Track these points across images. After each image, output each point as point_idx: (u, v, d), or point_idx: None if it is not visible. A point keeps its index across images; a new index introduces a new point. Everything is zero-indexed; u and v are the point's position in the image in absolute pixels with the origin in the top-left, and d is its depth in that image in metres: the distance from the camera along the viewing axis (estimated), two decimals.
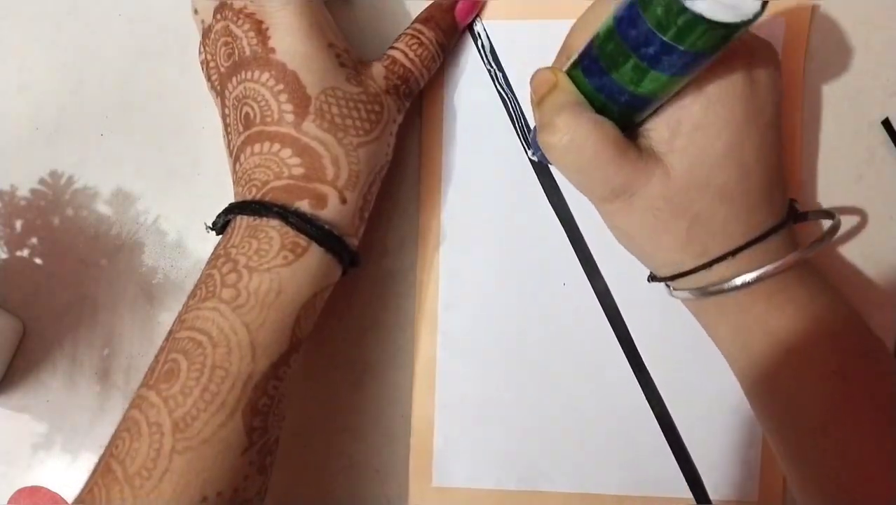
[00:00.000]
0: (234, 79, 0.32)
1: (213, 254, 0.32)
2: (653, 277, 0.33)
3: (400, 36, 0.35)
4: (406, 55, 0.34)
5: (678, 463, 0.37)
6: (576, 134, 0.28)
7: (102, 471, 0.29)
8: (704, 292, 0.30)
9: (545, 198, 0.38)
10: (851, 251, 0.37)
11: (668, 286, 0.33)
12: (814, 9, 0.36)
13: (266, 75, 0.31)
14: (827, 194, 0.37)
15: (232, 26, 0.32)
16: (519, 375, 0.38)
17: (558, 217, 0.38)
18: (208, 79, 0.34)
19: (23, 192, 0.39)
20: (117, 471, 0.28)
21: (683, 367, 0.37)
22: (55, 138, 0.39)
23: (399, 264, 0.39)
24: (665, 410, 0.37)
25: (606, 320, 0.37)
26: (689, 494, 0.37)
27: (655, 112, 0.29)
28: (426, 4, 0.36)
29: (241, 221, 0.31)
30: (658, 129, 0.29)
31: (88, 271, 0.39)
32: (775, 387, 0.30)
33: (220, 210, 0.32)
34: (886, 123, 0.36)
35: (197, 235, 0.39)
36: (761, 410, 0.32)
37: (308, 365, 0.38)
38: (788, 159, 0.36)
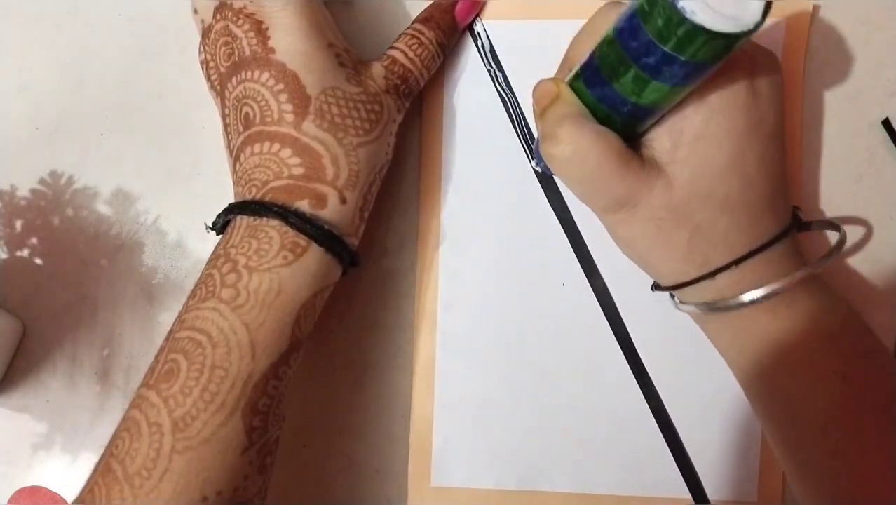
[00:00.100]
0: (233, 79, 0.32)
1: (212, 254, 0.32)
2: (657, 287, 0.33)
3: (400, 36, 0.35)
4: (406, 55, 0.34)
5: (677, 464, 0.37)
6: (578, 145, 0.28)
7: (102, 471, 0.29)
8: (712, 308, 0.30)
9: (545, 198, 0.38)
10: (851, 251, 0.37)
11: (673, 298, 0.33)
12: (814, 9, 0.36)
13: (266, 75, 0.31)
14: (827, 195, 0.37)
15: (232, 26, 0.32)
16: (518, 376, 0.38)
17: (558, 217, 0.38)
18: (208, 79, 0.34)
19: (23, 192, 0.39)
20: (117, 471, 0.28)
21: (682, 367, 0.37)
22: (55, 138, 0.39)
23: (399, 264, 0.39)
24: (664, 411, 0.37)
25: (605, 320, 0.37)
26: (688, 495, 0.37)
27: (658, 122, 0.29)
28: (426, 4, 0.36)
29: (241, 221, 0.31)
30: (660, 140, 0.29)
31: (88, 271, 0.39)
32: (775, 388, 0.30)
33: (220, 210, 0.32)
34: (886, 123, 0.36)
35: (197, 235, 0.39)
36: (761, 410, 0.32)
37: (308, 365, 0.38)
38: (788, 160, 0.36)
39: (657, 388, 0.37)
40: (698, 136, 0.28)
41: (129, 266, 0.39)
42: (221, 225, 0.32)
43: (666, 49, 0.25)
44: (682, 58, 0.25)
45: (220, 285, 0.30)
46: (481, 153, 0.38)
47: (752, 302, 0.29)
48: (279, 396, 0.30)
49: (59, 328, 0.39)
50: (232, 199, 0.33)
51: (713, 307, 0.30)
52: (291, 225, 0.30)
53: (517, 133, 0.38)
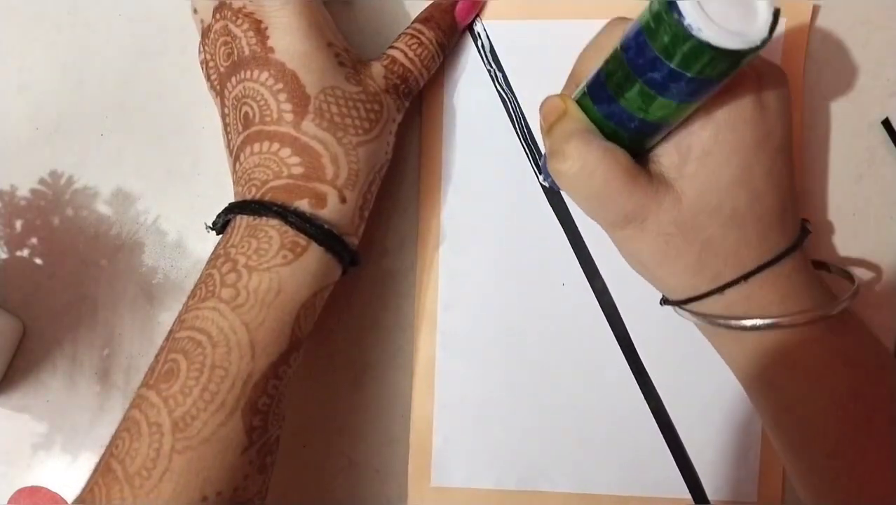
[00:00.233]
0: (233, 78, 0.32)
1: (212, 253, 0.32)
2: (666, 301, 0.33)
3: (400, 36, 0.35)
4: (405, 55, 0.34)
5: (677, 464, 0.37)
6: (586, 161, 0.28)
7: (102, 470, 0.29)
8: (713, 322, 0.30)
9: (544, 198, 0.38)
10: (851, 251, 0.37)
11: (677, 309, 0.33)
12: (814, 9, 0.36)
13: (265, 75, 0.31)
14: (827, 195, 0.37)
15: (231, 26, 0.32)
16: (518, 376, 0.38)
17: (558, 217, 0.38)
18: (208, 78, 0.34)
19: (23, 192, 0.39)
20: (117, 470, 0.28)
21: (682, 367, 0.37)
22: (55, 138, 0.39)
23: (399, 264, 0.39)
24: (664, 411, 0.37)
25: (605, 321, 0.37)
26: (688, 495, 0.37)
27: (665, 137, 0.29)
28: (426, 4, 0.36)
29: (241, 221, 0.31)
30: (668, 155, 0.29)
31: (88, 271, 0.39)
32: (788, 407, 0.30)
33: (220, 210, 0.32)
34: (886, 123, 0.36)
35: (197, 235, 0.39)
36: (772, 428, 0.32)
37: (308, 365, 0.38)
38: None
39: (657, 388, 0.37)
40: (706, 151, 0.28)
41: (129, 266, 0.39)
42: (221, 225, 0.32)
43: (672, 66, 0.25)
44: (689, 74, 0.25)
45: (219, 285, 0.30)
46: (481, 153, 0.38)
47: (755, 328, 0.29)
48: (279, 395, 0.30)
49: (59, 328, 0.39)
50: (232, 199, 0.33)
51: (714, 321, 0.30)
52: (291, 224, 0.30)
53: (517, 134, 0.38)
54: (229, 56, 0.32)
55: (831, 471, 0.29)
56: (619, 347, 0.37)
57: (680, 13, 0.23)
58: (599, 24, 0.37)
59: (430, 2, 0.36)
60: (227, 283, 0.30)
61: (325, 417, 0.38)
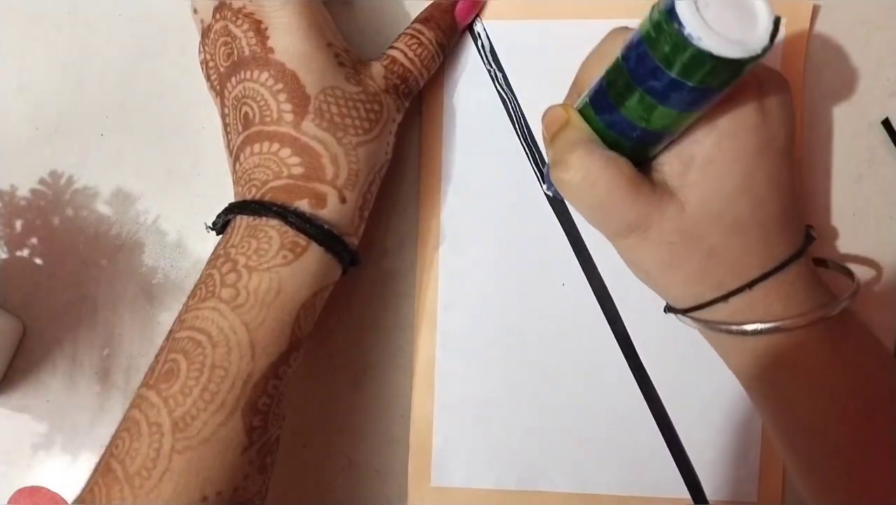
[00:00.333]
0: (233, 78, 0.32)
1: (212, 254, 0.32)
2: (670, 309, 0.33)
3: (399, 36, 0.35)
4: (405, 55, 0.34)
5: (676, 464, 0.37)
6: (589, 171, 0.28)
7: (103, 470, 0.29)
8: (715, 328, 0.30)
9: (544, 198, 0.38)
10: (851, 251, 0.37)
11: (680, 317, 0.33)
12: (814, 9, 0.36)
13: (265, 75, 0.31)
14: (827, 195, 0.37)
15: (231, 26, 0.32)
16: (518, 376, 0.38)
17: (557, 217, 0.38)
18: (207, 79, 0.34)
19: (23, 192, 0.39)
20: (117, 470, 0.28)
21: (682, 367, 0.37)
22: (55, 138, 0.39)
23: (399, 264, 0.39)
24: (663, 411, 0.37)
25: (605, 321, 0.37)
26: (688, 495, 0.37)
27: (668, 146, 0.29)
28: (426, 4, 0.36)
29: (241, 221, 0.31)
30: (671, 163, 0.29)
31: (88, 271, 0.39)
32: (788, 408, 0.30)
33: (220, 210, 0.32)
34: (886, 123, 0.36)
35: (197, 235, 0.39)
36: (773, 427, 0.31)
37: (308, 365, 0.38)
38: None
39: (657, 388, 0.37)
40: (709, 159, 0.28)
41: (129, 266, 0.39)
42: (221, 225, 0.32)
43: (673, 75, 0.25)
44: (690, 84, 0.25)
45: (219, 285, 0.30)
46: (481, 153, 0.38)
47: (756, 333, 0.29)
48: (279, 395, 0.30)
49: (59, 328, 0.39)
50: (232, 199, 0.33)
51: (715, 327, 0.30)
52: (291, 224, 0.30)
53: (517, 134, 0.38)
54: (229, 56, 0.32)
55: (832, 471, 0.29)
56: (619, 347, 0.37)
57: (680, 22, 0.23)
58: (599, 24, 0.37)
59: (430, 2, 0.36)
60: (227, 283, 0.30)
61: (325, 417, 0.38)
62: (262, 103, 0.31)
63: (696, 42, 0.23)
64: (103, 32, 0.40)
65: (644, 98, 0.26)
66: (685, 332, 0.34)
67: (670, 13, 0.24)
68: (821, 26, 0.37)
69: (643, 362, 0.37)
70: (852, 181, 0.37)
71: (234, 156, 0.33)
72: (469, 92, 0.38)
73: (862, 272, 0.37)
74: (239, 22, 0.32)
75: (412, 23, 0.36)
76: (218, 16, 0.33)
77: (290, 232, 0.30)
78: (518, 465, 0.38)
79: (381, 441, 0.38)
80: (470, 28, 0.38)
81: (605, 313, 0.38)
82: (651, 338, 0.37)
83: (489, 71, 0.38)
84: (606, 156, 0.29)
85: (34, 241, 0.39)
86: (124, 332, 0.39)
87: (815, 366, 0.29)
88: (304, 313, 0.31)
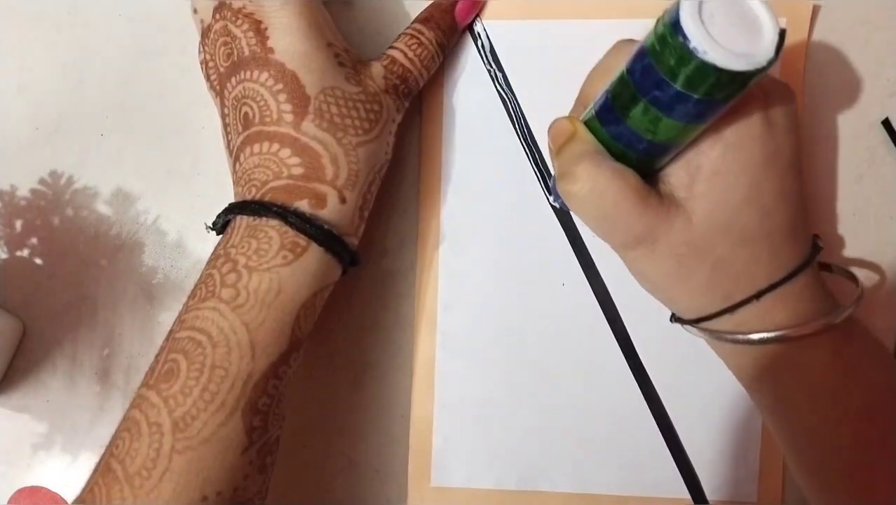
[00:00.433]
0: (233, 79, 0.32)
1: (212, 254, 0.32)
2: (677, 319, 0.33)
3: (399, 36, 0.35)
4: (405, 55, 0.34)
5: (676, 464, 0.37)
6: (596, 182, 0.28)
7: (103, 470, 0.29)
8: (720, 337, 0.30)
9: (544, 198, 0.38)
10: (851, 251, 0.37)
11: (686, 327, 0.33)
12: (814, 9, 0.36)
13: (265, 75, 0.31)
14: (827, 195, 0.37)
15: (231, 26, 0.32)
16: (518, 376, 0.38)
17: (557, 217, 0.38)
18: (207, 79, 0.34)
19: (23, 192, 0.39)
20: (117, 470, 0.28)
21: (682, 367, 0.37)
22: (55, 138, 0.39)
23: (399, 264, 0.39)
24: (663, 411, 0.37)
25: (605, 321, 0.37)
26: (688, 495, 0.37)
27: (674, 157, 0.29)
28: (426, 4, 0.36)
29: (241, 221, 0.31)
30: (677, 175, 0.29)
31: (88, 271, 0.39)
32: (800, 424, 0.30)
33: (220, 210, 0.32)
34: (886, 123, 0.36)
35: (197, 235, 0.39)
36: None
37: (308, 365, 0.38)
38: None
39: (657, 388, 0.37)
40: (715, 170, 0.28)
41: (129, 266, 0.39)
42: (221, 225, 0.32)
43: (678, 88, 0.25)
44: (696, 96, 0.24)
45: (219, 285, 0.30)
46: (481, 153, 0.38)
47: (762, 341, 0.29)
48: (279, 395, 0.30)
49: (59, 328, 0.39)
50: (232, 199, 0.33)
51: (727, 338, 0.30)
52: (291, 225, 0.30)
53: (517, 134, 0.38)
54: (229, 56, 0.32)
55: (833, 472, 0.29)
56: (619, 347, 0.37)
57: (685, 36, 0.23)
58: (599, 24, 0.37)
59: (430, 2, 0.36)
60: (228, 283, 0.30)
61: (325, 417, 0.38)
62: (261, 103, 0.31)
63: (701, 55, 0.23)
64: (103, 32, 0.40)
65: (650, 110, 0.26)
66: (685, 332, 0.34)
67: (675, 26, 0.24)
68: (821, 26, 0.37)
69: (643, 362, 0.37)
70: (852, 181, 0.37)
71: (234, 156, 0.33)
72: (469, 92, 0.38)
73: (862, 272, 0.37)
74: (239, 22, 0.32)
75: (412, 23, 0.36)
76: (218, 16, 0.33)
77: (290, 232, 0.30)
78: (518, 465, 0.38)
79: (381, 441, 0.38)
80: (470, 28, 0.38)
81: (605, 313, 0.38)
82: (651, 338, 0.37)
83: (489, 71, 0.38)
84: (613, 167, 0.28)
85: (34, 241, 0.39)
86: (124, 332, 0.39)
87: (818, 370, 0.29)
88: (304, 313, 0.31)
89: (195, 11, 0.35)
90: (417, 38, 0.35)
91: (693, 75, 0.24)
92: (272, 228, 0.30)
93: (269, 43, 0.31)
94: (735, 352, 0.31)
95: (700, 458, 0.37)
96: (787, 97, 0.29)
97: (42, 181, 0.39)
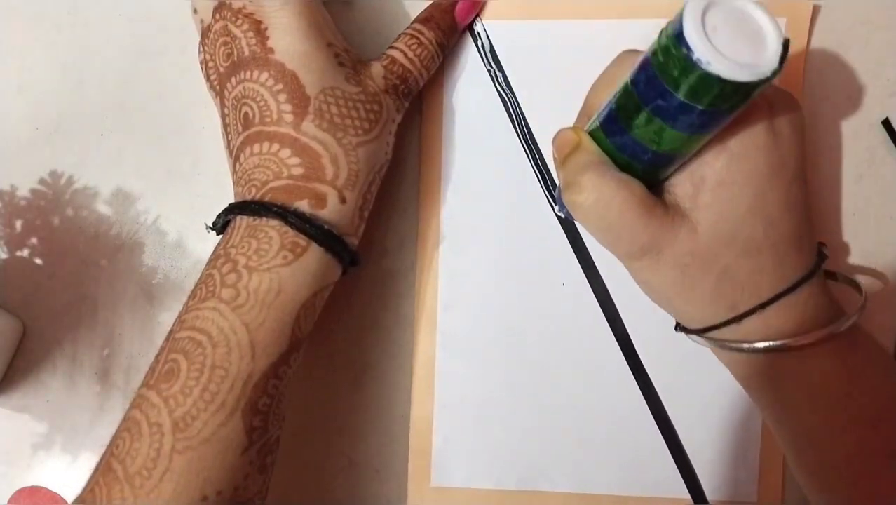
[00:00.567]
0: (232, 79, 0.32)
1: (213, 254, 0.32)
2: (682, 329, 0.33)
3: (399, 36, 0.35)
4: (405, 55, 0.34)
5: (676, 464, 0.37)
6: (601, 193, 0.28)
7: (103, 470, 0.29)
8: (725, 346, 0.30)
9: (544, 198, 0.38)
10: (851, 251, 0.37)
11: (691, 336, 0.32)
12: (814, 9, 0.36)
13: (265, 75, 0.31)
14: (827, 195, 0.37)
15: (231, 26, 0.32)
16: (518, 376, 0.38)
17: (557, 218, 0.38)
18: (207, 79, 0.34)
19: (23, 192, 0.39)
20: (118, 470, 0.28)
21: (681, 367, 0.37)
22: (55, 138, 0.39)
23: (399, 264, 0.39)
24: (663, 411, 0.37)
25: (605, 321, 0.37)
26: (688, 495, 0.37)
27: (679, 168, 0.29)
28: (426, 4, 0.36)
29: (241, 221, 0.31)
30: (682, 185, 0.29)
31: (88, 271, 0.39)
32: (802, 430, 0.30)
33: (220, 210, 0.32)
34: (886, 123, 0.36)
35: (197, 235, 0.39)
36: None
37: (308, 365, 0.38)
38: None
39: (656, 388, 0.37)
40: (720, 181, 0.28)
41: (129, 266, 0.39)
42: (221, 225, 0.32)
43: (683, 99, 0.24)
44: (700, 107, 0.24)
45: (220, 285, 0.30)
46: (481, 153, 0.38)
47: (768, 350, 0.29)
48: (279, 395, 0.30)
49: (59, 328, 0.39)
50: (232, 199, 0.33)
51: (731, 347, 0.30)
52: (291, 225, 0.30)
53: (517, 134, 0.38)
54: (229, 56, 0.32)
55: (839, 481, 0.29)
56: (618, 347, 0.37)
57: (688, 47, 0.23)
58: (599, 24, 0.37)
59: (430, 2, 0.36)
60: (228, 283, 0.30)
61: (325, 417, 0.38)
62: (261, 104, 0.31)
63: (704, 66, 0.23)
64: (103, 32, 0.40)
65: (654, 121, 0.26)
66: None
67: (678, 37, 0.24)
68: (821, 26, 0.37)
69: (643, 362, 0.37)
70: (852, 181, 0.37)
71: (234, 156, 0.33)
72: (469, 92, 0.38)
73: (861, 273, 0.37)
74: (239, 22, 0.32)
75: (412, 23, 0.36)
76: (218, 16, 0.33)
77: (290, 232, 0.30)
78: (518, 465, 0.38)
79: (381, 441, 0.38)
80: (470, 28, 0.38)
81: (605, 313, 0.38)
82: (651, 338, 0.37)
83: (489, 71, 0.38)
84: (618, 178, 0.28)
85: (34, 241, 0.39)
86: (124, 332, 0.39)
87: (821, 377, 0.29)
88: (304, 313, 0.31)
89: (195, 11, 0.35)
90: (417, 38, 0.35)
91: (697, 86, 0.24)
92: (272, 228, 0.30)
93: (269, 43, 0.31)
94: (738, 359, 0.31)
95: (700, 458, 0.37)
96: (791, 107, 0.29)
97: (42, 181, 0.39)
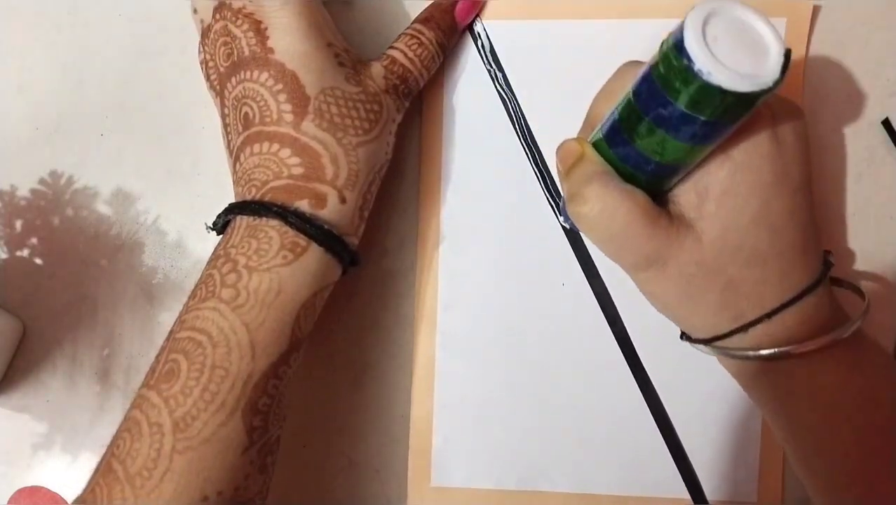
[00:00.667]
0: (233, 79, 0.32)
1: (213, 254, 0.32)
2: (688, 338, 0.33)
3: (399, 36, 0.35)
4: (405, 55, 0.34)
5: (676, 464, 0.37)
6: (606, 204, 0.28)
7: (104, 471, 0.29)
8: (729, 354, 0.30)
9: (544, 198, 0.38)
10: (852, 252, 0.37)
11: (696, 346, 0.32)
12: (814, 9, 0.36)
13: (265, 75, 0.31)
14: (827, 195, 0.37)
15: (231, 26, 0.32)
16: (518, 376, 0.38)
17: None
18: (207, 79, 0.34)
19: (23, 192, 0.39)
20: (118, 471, 0.28)
21: (681, 367, 0.37)
22: (55, 138, 0.39)
23: (399, 264, 0.39)
24: (663, 411, 0.37)
25: (605, 321, 0.38)
26: (688, 495, 0.37)
27: (683, 178, 0.29)
28: (426, 4, 0.36)
29: (241, 221, 0.31)
30: (687, 195, 0.29)
31: (88, 271, 0.39)
32: (804, 433, 0.30)
33: (220, 210, 0.32)
34: (886, 123, 0.36)
35: (197, 235, 0.39)
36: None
37: (308, 365, 0.38)
38: None
39: (656, 388, 0.37)
40: (724, 191, 0.28)
41: (129, 266, 0.39)
42: (221, 225, 0.32)
43: (684, 110, 0.24)
44: (702, 118, 0.24)
45: (220, 285, 0.30)
46: (481, 153, 0.38)
47: (772, 357, 0.29)
48: (279, 395, 0.30)
49: (59, 328, 0.39)
50: (232, 199, 0.33)
51: (736, 355, 0.30)
52: (291, 225, 0.30)
53: (517, 134, 0.38)
54: (229, 56, 0.32)
55: (840, 478, 0.29)
56: (618, 347, 0.37)
57: (689, 58, 0.23)
58: (599, 24, 0.37)
59: (430, 2, 0.36)
60: (228, 283, 0.30)
61: (325, 417, 0.38)
62: (261, 103, 0.31)
63: (705, 77, 0.23)
64: (103, 32, 0.40)
65: (656, 132, 0.26)
66: None
67: (679, 49, 0.24)
68: (821, 26, 0.37)
69: (643, 362, 0.37)
70: (852, 181, 0.37)
71: (234, 156, 0.33)
72: (469, 92, 0.38)
73: (861, 273, 0.37)
74: (239, 22, 0.32)
75: (412, 23, 0.36)
76: (218, 16, 0.33)
77: (290, 232, 0.30)
78: (518, 465, 0.38)
79: (381, 441, 0.38)
80: (470, 28, 0.38)
81: (604, 313, 0.38)
82: (651, 338, 0.37)
83: (489, 71, 0.38)
84: (623, 189, 0.28)
85: (34, 241, 0.39)
86: (124, 332, 0.39)
87: (825, 381, 0.29)
88: (304, 313, 0.31)
89: (195, 11, 0.35)
90: (417, 38, 0.35)
91: (698, 97, 0.24)
92: (272, 228, 0.30)
93: (269, 43, 0.31)
94: (742, 366, 0.31)
95: (699, 457, 0.37)
96: (795, 115, 0.29)
97: (42, 181, 0.39)
